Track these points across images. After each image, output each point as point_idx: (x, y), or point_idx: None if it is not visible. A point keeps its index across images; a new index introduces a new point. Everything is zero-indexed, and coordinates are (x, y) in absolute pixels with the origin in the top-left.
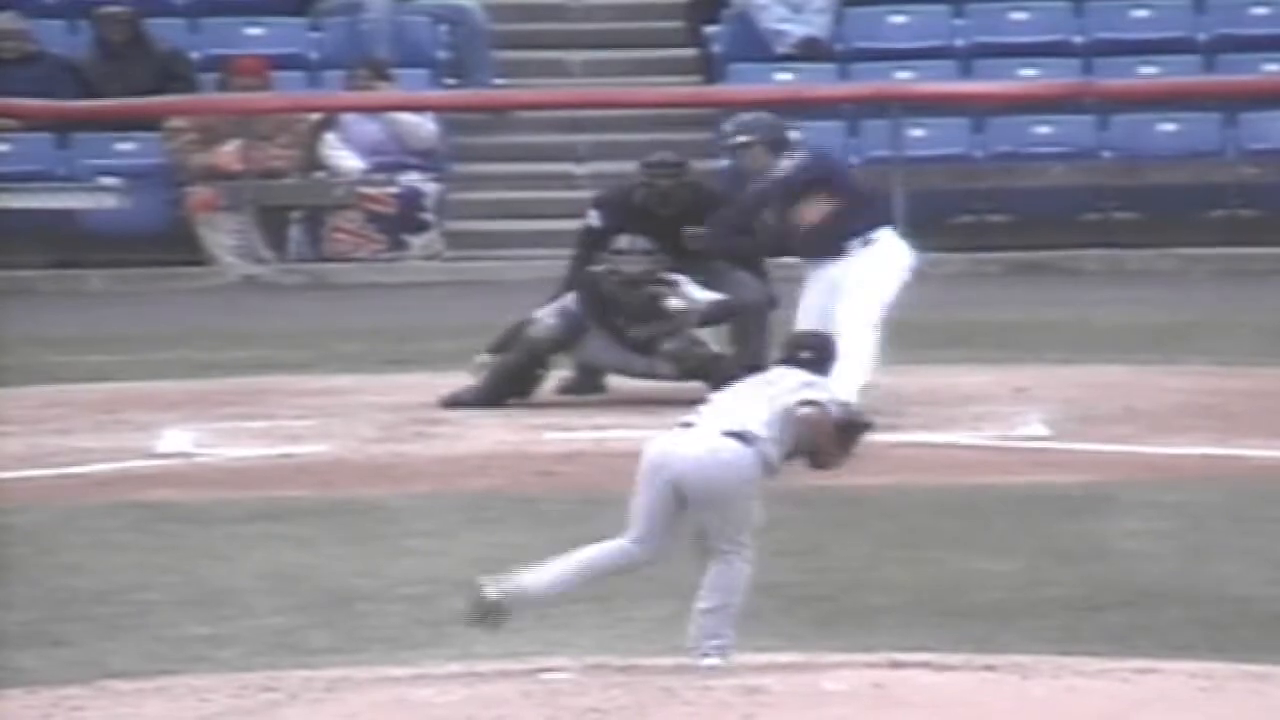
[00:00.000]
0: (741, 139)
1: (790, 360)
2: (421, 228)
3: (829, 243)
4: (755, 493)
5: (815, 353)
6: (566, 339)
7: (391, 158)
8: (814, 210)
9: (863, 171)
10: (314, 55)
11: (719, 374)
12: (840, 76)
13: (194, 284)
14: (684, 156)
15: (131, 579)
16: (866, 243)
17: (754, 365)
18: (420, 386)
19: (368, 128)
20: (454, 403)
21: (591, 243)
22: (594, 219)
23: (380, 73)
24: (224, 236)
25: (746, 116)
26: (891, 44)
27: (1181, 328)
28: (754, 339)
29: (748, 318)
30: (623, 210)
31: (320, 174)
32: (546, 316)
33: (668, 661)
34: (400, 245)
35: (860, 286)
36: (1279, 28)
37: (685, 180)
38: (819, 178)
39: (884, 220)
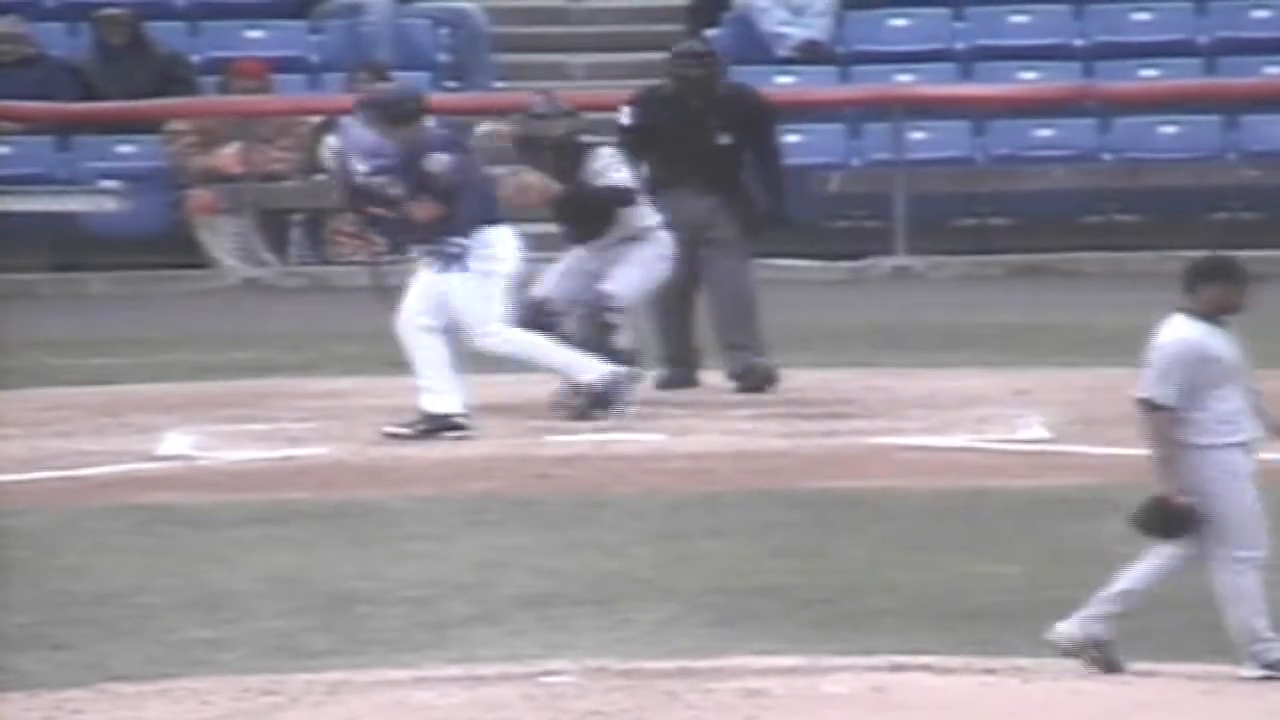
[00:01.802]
0: (364, 111)
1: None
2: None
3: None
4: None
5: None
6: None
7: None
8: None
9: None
10: (314, 58)
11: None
12: (841, 79)
13: (195, 287)
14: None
15: (132, 582)
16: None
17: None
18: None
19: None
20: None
21: (629, 142)
22: (625, 116)
23: (381, 75)
24: (224, 239)
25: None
26: (892, 47)
27: None
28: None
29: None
30: (654, 104)
31: (321, 177)
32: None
33: (669, 665)
34: (401, 248)
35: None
36: (1279, 30)
37: (715, 69)
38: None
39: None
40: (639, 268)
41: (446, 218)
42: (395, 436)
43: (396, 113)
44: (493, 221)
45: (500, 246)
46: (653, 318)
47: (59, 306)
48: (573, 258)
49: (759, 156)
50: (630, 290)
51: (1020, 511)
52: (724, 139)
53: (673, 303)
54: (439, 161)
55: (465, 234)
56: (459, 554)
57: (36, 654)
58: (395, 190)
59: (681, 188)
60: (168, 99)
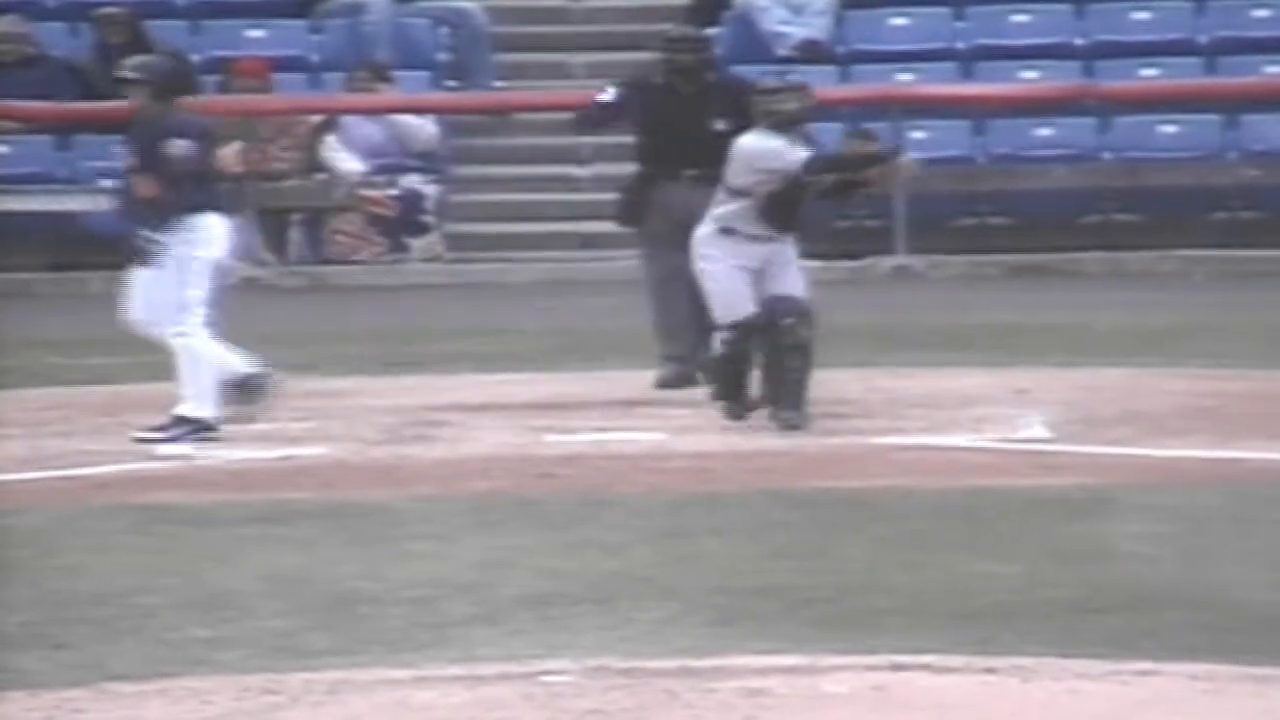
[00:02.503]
0: (130, 76)
1: None
2: (422, 230)
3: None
4: None
5: None
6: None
7: (392, 159)
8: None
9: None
10: (315, 57)
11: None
12: (841, 79)
13: None
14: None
15: (132, 581)
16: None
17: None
18: (421, 389)
19: (368, 130)
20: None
21: (596, 119)
22: (609, 94)
23: (381, 75)
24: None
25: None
26: (892, 46)
27: (1182, 330)
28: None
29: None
30: (642, 90)
31: (321, 176)
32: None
33: (670, 664)
34: (400, 248)
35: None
36: (1279, 30)
37: (708, 57)
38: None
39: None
40: (797, 267)
41: (170, 200)
42: (146, 441)
43: (162, 88)
44: (209, 209)
45: (209, 233)
46: (652, 316)
47: (59, 306)
48: (735, 271)
49: None
50: (805, 293)
51: (1020, 511)
52: (718, 125)
53: (671, 300)
54: (179, 146)
55: (179, 221)
56: (460, 554)
57: (36, 653)
58: (130, 163)
59: (673, 181)
60: None
